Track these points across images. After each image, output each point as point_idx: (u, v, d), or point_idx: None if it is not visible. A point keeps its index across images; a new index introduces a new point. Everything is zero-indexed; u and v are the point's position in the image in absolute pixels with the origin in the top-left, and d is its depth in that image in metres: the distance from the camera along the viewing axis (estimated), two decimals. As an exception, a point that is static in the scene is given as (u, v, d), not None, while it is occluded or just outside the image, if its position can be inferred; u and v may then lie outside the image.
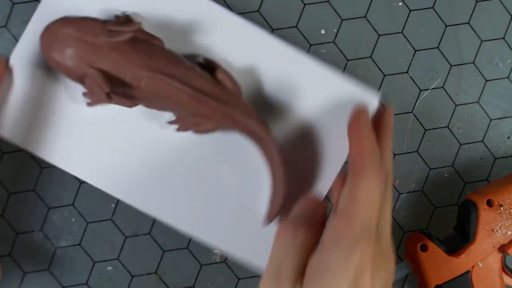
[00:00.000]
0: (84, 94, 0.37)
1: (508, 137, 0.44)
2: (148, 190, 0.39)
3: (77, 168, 0.39)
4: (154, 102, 0.36)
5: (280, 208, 0.37)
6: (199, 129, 0.37)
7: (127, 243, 0.42)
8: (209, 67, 0.38)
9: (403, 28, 0.42)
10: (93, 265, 0.42)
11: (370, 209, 0.31)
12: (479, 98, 0.43)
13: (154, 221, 0.42)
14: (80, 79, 0.35)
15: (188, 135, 0.38)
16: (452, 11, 0.42)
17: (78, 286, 0.42)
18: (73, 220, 0.41)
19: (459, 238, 0.39)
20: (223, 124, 0.37)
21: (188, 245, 0.42)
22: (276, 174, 0.37)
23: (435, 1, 0.42)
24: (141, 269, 0.42)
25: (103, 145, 0.39)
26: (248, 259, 0.40)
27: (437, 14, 0.42)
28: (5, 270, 0.41)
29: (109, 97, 0.35)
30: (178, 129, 0.38)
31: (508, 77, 0.43)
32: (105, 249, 0.42)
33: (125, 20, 0.37)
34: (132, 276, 0.42)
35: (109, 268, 0.42)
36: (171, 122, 0.38)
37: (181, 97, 0.35)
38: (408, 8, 0.42)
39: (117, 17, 0.37)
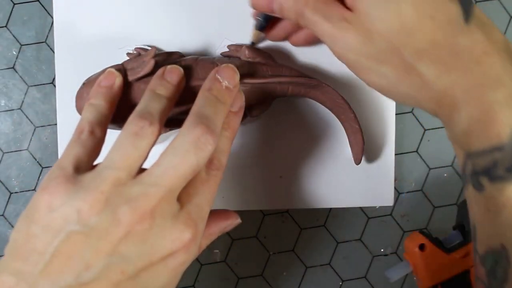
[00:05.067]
0: None
1: (508, 137, 0.44)
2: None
3: None
4: None
5: (363, 145, 0.38)
6: (254, 113, 0.37)
7: (128, 242, 0.42)
8: (236, 52, 0.38)
9: (403, 28, 0.42)
10: (94, 264, 0.42)
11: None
12: (479, 98, 0.43)
13: (154, 220, 0.42)
14: None
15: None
16: (452, 11, 0.42)
17: (79, 285, 0.42)
18: (74, 219, 0.41)
19: (459, 237, 0.40)
20: (276, 95, 0.37)
21: (188, 245, 0.42)
22: (347, 115, 0.38)
23: (435, 2, 0.42)
24: (141, 269, 0.42)
25: None
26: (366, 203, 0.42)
27: (437, 14, 0.42)
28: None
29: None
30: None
31: (507, 77, 0.43)
32: (106, 248, 0.42)
33: (138, 52, 0.37)
34: (133, 276, 0.42)
35: (109, 267, 0.42)
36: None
37: None
38: (408, 8, 0.42)
39: (129, 54, 0.38)
